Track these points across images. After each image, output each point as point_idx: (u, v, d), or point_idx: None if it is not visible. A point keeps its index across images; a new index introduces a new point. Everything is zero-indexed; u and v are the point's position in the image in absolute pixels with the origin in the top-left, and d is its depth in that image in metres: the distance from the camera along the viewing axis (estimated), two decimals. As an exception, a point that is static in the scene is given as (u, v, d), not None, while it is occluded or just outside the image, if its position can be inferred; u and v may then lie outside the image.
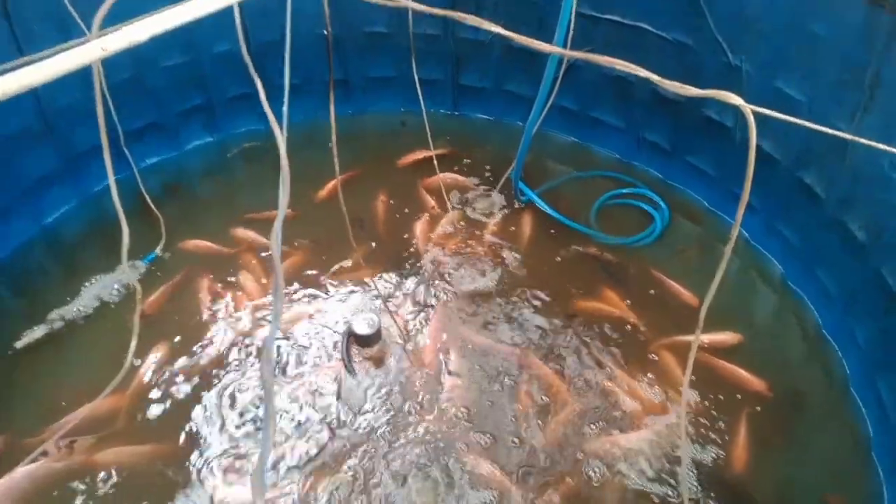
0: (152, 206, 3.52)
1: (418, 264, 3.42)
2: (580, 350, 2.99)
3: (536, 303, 3.21)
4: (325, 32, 2.62)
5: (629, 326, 3.10)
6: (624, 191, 3.87)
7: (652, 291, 3.28)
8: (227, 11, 1.47)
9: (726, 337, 3.02)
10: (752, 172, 1.14)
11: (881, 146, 1.40)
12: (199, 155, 4.23)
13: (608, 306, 3.21)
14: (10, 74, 1.04)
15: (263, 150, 4.22)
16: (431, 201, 3.80)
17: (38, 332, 3.05)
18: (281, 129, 1.13)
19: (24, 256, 3.49)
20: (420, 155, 4.03)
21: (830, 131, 1.38)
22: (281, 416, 2.73)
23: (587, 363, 2.93)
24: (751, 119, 1.14)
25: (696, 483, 2.50)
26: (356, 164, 3.97)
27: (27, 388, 2.84)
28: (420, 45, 4.04)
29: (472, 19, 1.47)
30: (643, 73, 1.25)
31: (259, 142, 4.29)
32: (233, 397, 2.79)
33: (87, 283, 3.28)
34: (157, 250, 3.42)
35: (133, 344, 2.06)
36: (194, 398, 2.79)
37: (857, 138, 1.43)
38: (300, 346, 3.02)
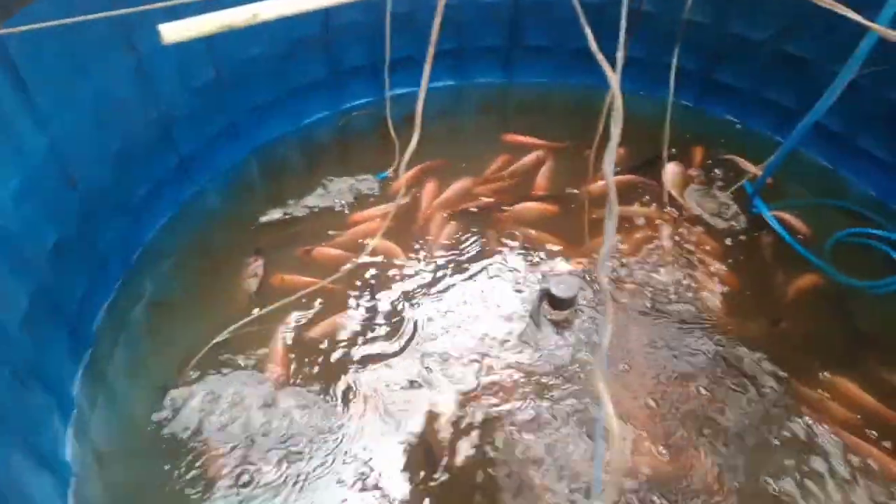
0: (392, 131, 3.78)
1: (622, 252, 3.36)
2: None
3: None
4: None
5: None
6: (873, 231, 3.45)
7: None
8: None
9: None
10: None
11: None
12: (440, 95, 4.45)
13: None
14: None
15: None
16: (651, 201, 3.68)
17: (276, 213, 3.49)
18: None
19: (276, 148, 3.99)
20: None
21: None
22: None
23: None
24: None
25: None
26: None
27: (269, 257, 3.24)
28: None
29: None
30: None
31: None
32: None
33: (323, 182, 3.67)
34: (389, 171, 3.70)
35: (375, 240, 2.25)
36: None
37: None
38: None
